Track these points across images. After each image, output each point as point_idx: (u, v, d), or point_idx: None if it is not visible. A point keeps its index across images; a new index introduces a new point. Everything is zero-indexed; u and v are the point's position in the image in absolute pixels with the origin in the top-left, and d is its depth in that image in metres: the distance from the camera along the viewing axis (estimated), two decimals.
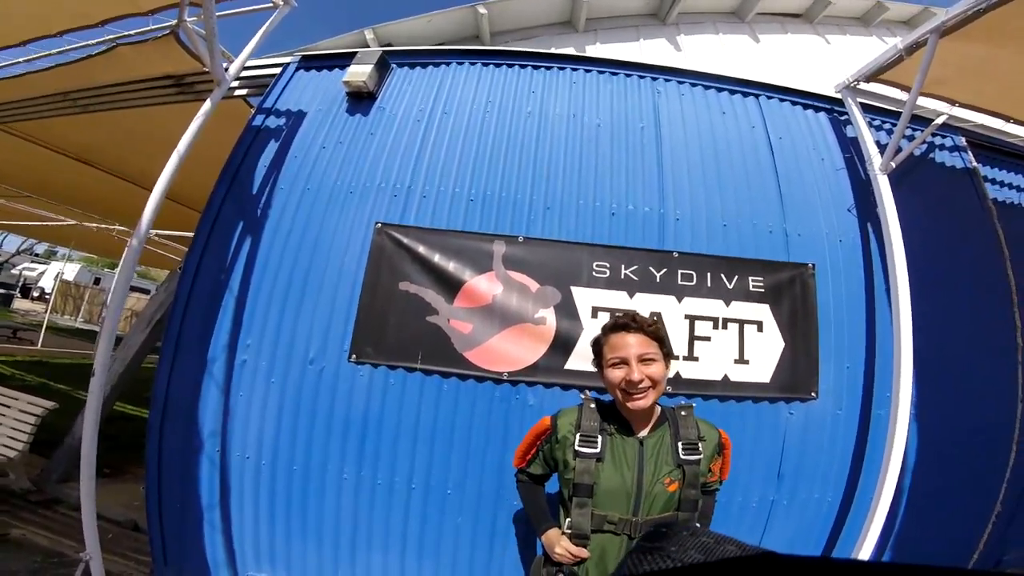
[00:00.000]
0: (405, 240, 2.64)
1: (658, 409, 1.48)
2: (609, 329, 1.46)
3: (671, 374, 2.47)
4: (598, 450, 1.39)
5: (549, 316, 2.52)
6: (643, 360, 1.36)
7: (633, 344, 1.38)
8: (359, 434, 2.44)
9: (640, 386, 1.35)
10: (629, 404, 1.37)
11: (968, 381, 2.76)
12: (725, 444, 1.52)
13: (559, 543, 1.40)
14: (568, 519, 1.40)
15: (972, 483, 2.68)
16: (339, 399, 2.48)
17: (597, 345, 1.49)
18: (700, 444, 1.41)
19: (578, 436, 1.42)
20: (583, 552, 1.36)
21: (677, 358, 2.50)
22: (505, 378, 2.47)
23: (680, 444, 1.40)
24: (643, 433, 1.43)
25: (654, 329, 1.42)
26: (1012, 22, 2.25)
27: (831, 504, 2.52)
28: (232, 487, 2.47)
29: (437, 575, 2.39)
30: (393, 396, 2.47)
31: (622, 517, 1.35)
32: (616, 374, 1.38)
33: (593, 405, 1.48)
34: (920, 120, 3.14)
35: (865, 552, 2.24)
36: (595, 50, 4.80)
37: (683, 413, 1.47)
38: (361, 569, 2.39)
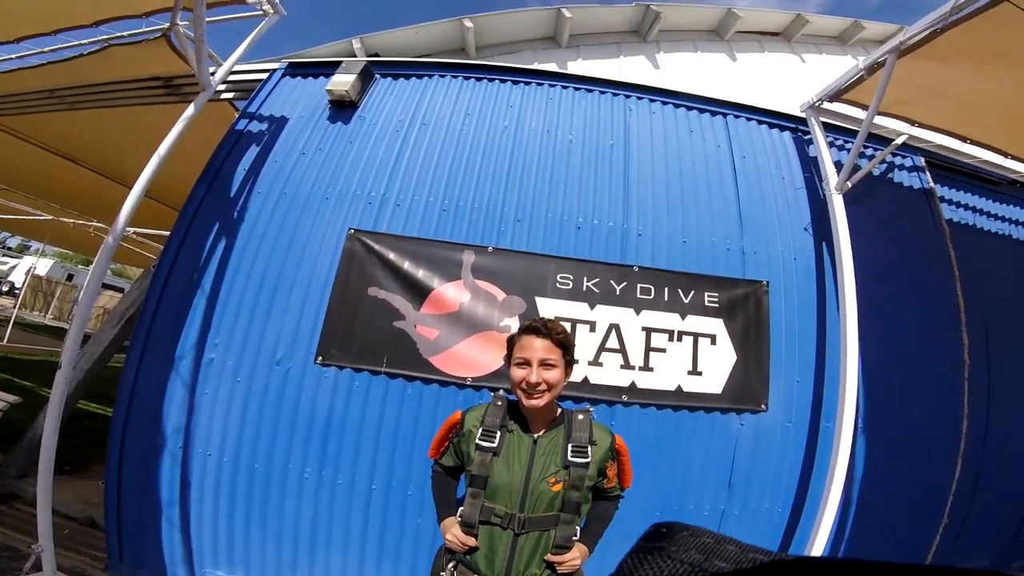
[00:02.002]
0: (376, 247, 2.71)
1: (558, 410, 1.58)
2: (522, 331, 1.56)
3: (626, 383, 2.57)
4: (495, 445, 1.48)
5: (514, 325, 2.60)
6: (544, 364, 1.45)
7: (538, 348, 1.47)
8: (322, 434, 2.49)
9: (538, 388, 1.44)
10: (526, 402, 1.47)
11: (916, 396, 2.88)
12: (620, 450, 1.58)
13: (450, 530, 1.48)
14: (461, 508, 1.49)
15: (920, 495, 2.78)
16: (304, 399, 2.52)
17: (510, 343, 1.58)
18: (590, 448, 1.48)
19: (480, 431, 1.51)
20: (470, 540, 1.43)
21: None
22: (469, 383, 2.53)
23: (570, 446, 1.47)
24: (539, 432, 1.52)
25: (562, 338, 1.51)
26: (968, 41, 2.34)
27: (781, 514, 2.60)
28: (193, 484, 2.49)
29: (396, 574, 2.42)
30: (357, 398, 2.52)
31: (508, 511, 1.42)
32: (519, 373, 1.47)
33: (500, 403, 1.57)
34: (882, 140, 3.28)
35: None
36: (577, 66, 4.94)
37: (579, 417, 1.55)
38: (320, 568, 2.42)
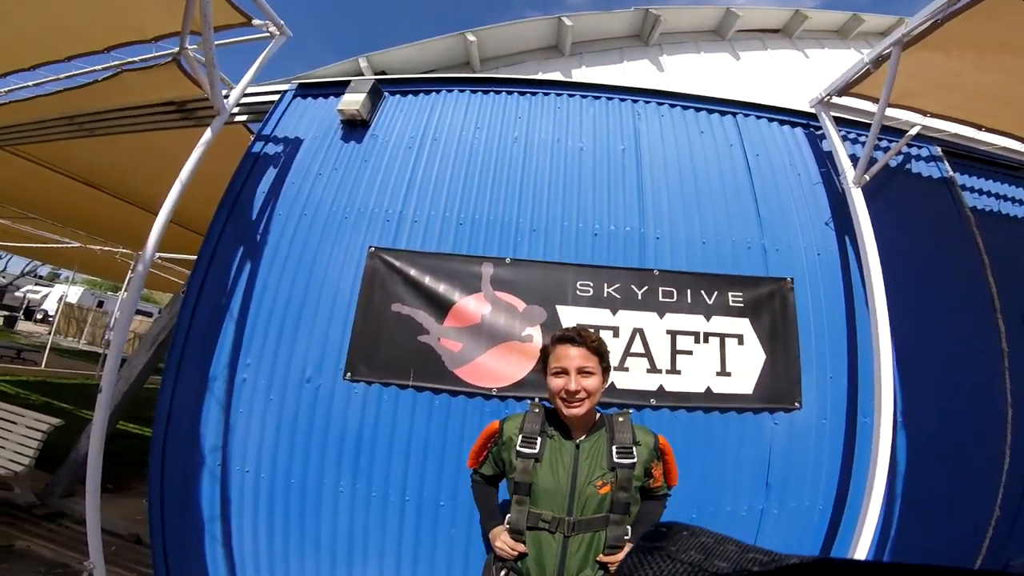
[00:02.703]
0: (397, 263, 2.75)
1: (597, 415, 1.58)
2: (556, 340, 1.57)
3: (654, 387, 2.56)
4: (536, 451, 1.49)
5: (536, 334, 2.62)
6: (582, 372, 1.47)
7: (575, 356, 1.48)
8: (354, 448, 2.53)
9: (577, 396, 1.46)
10: (566, 411, 1.48)
11: (956, 388, 2.81)
12: (664, 449, 1.59)
13: (499, 538, 1.49)
14: (508, 515, 1.50)
15: (968, 489, 2.69)
16: (335, 415, 2.57)
17: (544, 353, 1.61)
18: (635, 448, 1.49)
19: (520, 438, 1.52)
20: (519, 546, 1.44)
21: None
22: (494, 393, 2.55)
23: (614, 448, 1.49)
24: (580, 438, 1.53)
25: (596, 344, 1.53)
26: (968, 31, 2.32)
27: (822, 512, 2.55)
28: (232, 500, 2.54)
29: None
30: (386, 412, 2.56)
31: (555, 516, 1.43)
32: (557, 383, 1.50)
33: (538, 410, 1.60)
34: (896, 132, 3.24)
35: (859, 557, 2.23)
36: (580, 73, 4.95)
37: (620, 419, 1.57)
38: None
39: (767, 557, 0.33)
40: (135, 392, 4.13)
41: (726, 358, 2.63)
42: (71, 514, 3.54)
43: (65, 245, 9.03)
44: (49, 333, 14.09)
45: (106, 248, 9.05)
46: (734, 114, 3.37)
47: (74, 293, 22.29)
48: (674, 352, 2.61)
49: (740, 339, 2.66)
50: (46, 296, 25.08)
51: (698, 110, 3.37)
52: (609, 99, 3.39)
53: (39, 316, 24.00)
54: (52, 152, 4.91)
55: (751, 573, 0.32)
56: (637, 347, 2.60)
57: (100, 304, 22.86)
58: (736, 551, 0.34)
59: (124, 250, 9.03)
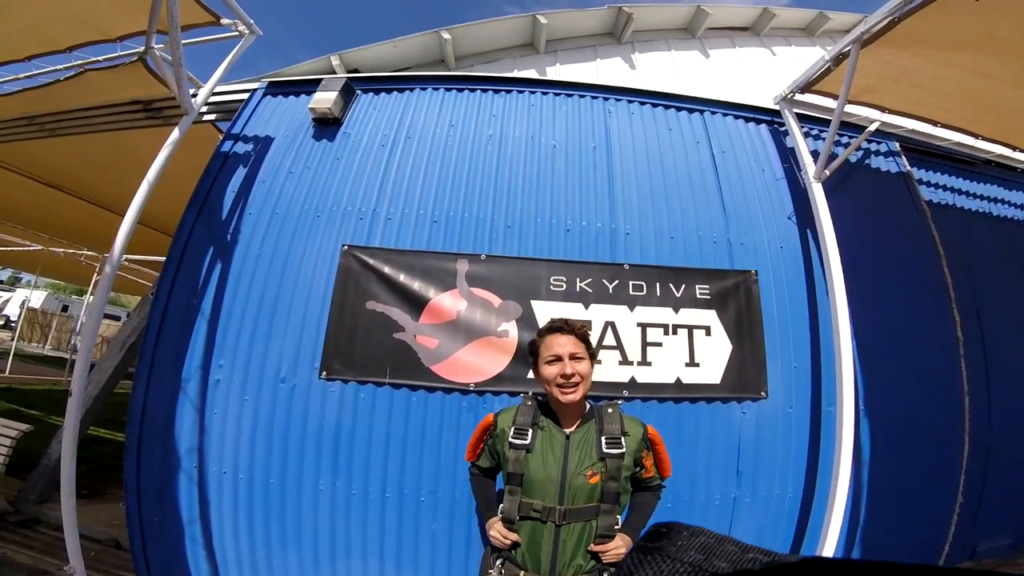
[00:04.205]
0: (371, 261, 2.76)
1: (587, 406, 1.65)
2: (545, 332, 1.64)
3: (626, 379, 2.64)
4: (528, 442, 1.55)
5: (511, 329, 2.66)
6: (574, 358, 1.55)
7: (566, 343, 1.56)
8: (332, 447, 2.54)
9: (572, 380, 1.52)
10: (561, 398, 1.54)
11: (915, 376, 2.92)
12: (654, 440, 1.65)
13: (493, 527, 1.54)
14: (501, 505, 1.56)
15: (931, 476, 2.79)
16: (311, 414, 2.57)
17: (533, 346, 1.67)
18: (623, 438, 1.55)
19: (512, 430, 1.58)
20: (512, 535, 1.49)
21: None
22: (472, 389, 2.59)
23: (604, 438, 1.54)
24: (571, 428, 1.59)
25: (583, 333, 1.62)
26: (926, 29, 2.41)
27: (792, 500, 2.63)
28: (211, 502, 2.53)
29: None
30: (364, 410, 2.57)
31: (546, 505, 1.48)
32: (551, 370, 1.55)
33: (531, 403, 1.65)
34: (856, 128, 3.35)
35: (829, 545, 2.30)
36: (555, 71, 5.00)
37: (609, 410, 1.63)
38: None
39: (767, 557, 0.34)
40: (106, 396, 4.05)
41: (694, 349, 2.71)
42: (47, 520, 3.45)
43: (27, 248, 8.71)
44: (12, 339, 13.56)
45: (70, 251, 8.76)
46: (701, 111, 3.46)
47: (37, 297, 21.48)
48: (644, 344, 2.68)
49: (707, 330, 2.75)
50: (7, 301, 24.13)
51: (667, 108, 3.45)
52: (581, 97, 3.44)
53: (0, 322, 23.06)
54: (11, 153, 4.73)
55: (751, 573, 0.32)
56: (609, 340, 2.67)
57: (65, 308, 22.06)
58: (736, 551, 0.35)
59: (89, 252, 8.74)
